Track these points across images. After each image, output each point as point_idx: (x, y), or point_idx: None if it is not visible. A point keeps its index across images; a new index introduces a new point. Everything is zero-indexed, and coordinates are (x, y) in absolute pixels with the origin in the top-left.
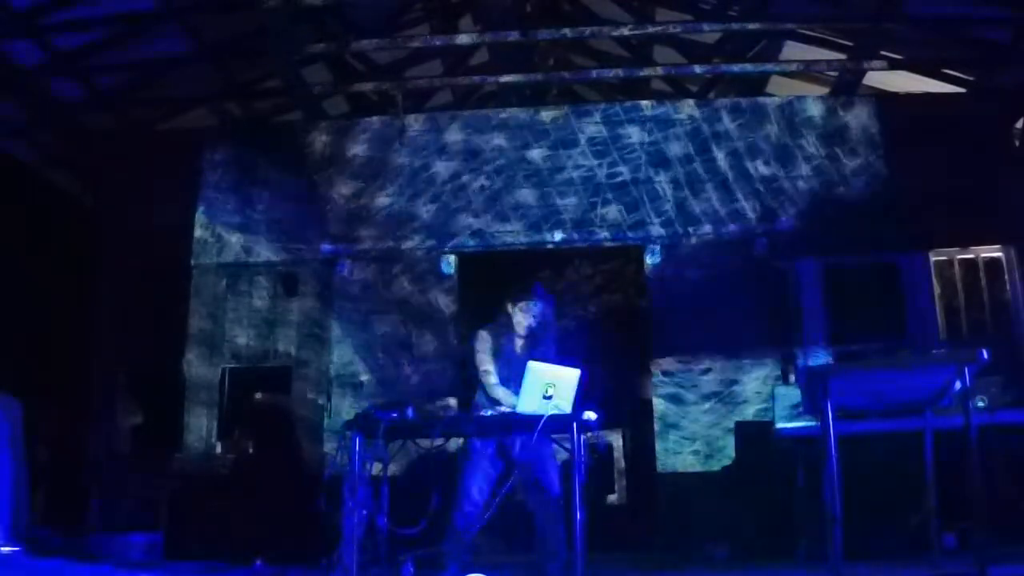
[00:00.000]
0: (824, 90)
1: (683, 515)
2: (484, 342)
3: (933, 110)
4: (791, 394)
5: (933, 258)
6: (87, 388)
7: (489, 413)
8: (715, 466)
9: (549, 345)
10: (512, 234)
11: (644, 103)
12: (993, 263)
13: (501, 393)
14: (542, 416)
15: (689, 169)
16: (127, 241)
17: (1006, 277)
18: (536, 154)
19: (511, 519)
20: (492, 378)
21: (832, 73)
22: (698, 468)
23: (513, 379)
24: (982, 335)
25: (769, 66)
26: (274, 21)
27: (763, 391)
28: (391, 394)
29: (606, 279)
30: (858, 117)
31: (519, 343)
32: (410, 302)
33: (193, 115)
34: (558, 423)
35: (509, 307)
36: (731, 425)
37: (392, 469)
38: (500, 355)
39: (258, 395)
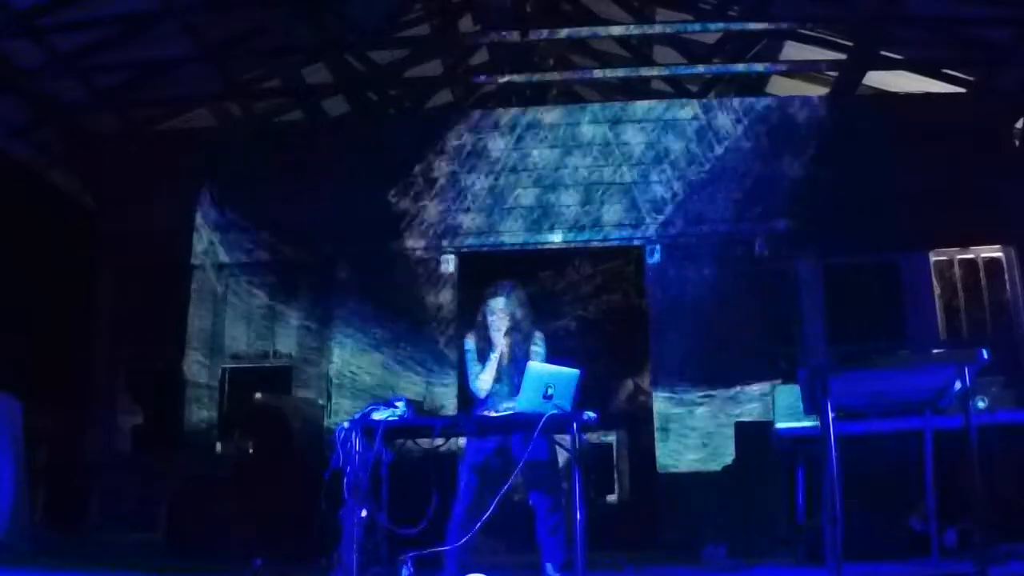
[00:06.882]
0: (824, 90)
1: (683, 515)
2: (470, 345)
3: (933, 110)
4: (791, 394)
5: (933, 258)
6: (87, 388)
7: (490, 413)
8: (715, 466)
9: (527, 343)
10: (512, 234)
11: (644, 103)
12: (993, 263)
13: (485, 379)
14: (542, 416)
15: (689, 169)
16: (127, 241)
17: (1006, 277)
18: (536, 154)
19: (511, 519)
20: (478, 369)
21: (832, 73)
22: (698, 468)
23: (500, 380)
24: (982, 335)
25: (769, 66)
26: (274, 21)
27: (763, 391)
28: (391, 394)
29: (606, 279)
30: (858, 117)
31: (502, 343)
32: (410, 302)
33: (193, 115)
34: (558, 422)
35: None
36: (731, 425)
37: (392, 469)
38: (485, 356)
39: (258, 395)
